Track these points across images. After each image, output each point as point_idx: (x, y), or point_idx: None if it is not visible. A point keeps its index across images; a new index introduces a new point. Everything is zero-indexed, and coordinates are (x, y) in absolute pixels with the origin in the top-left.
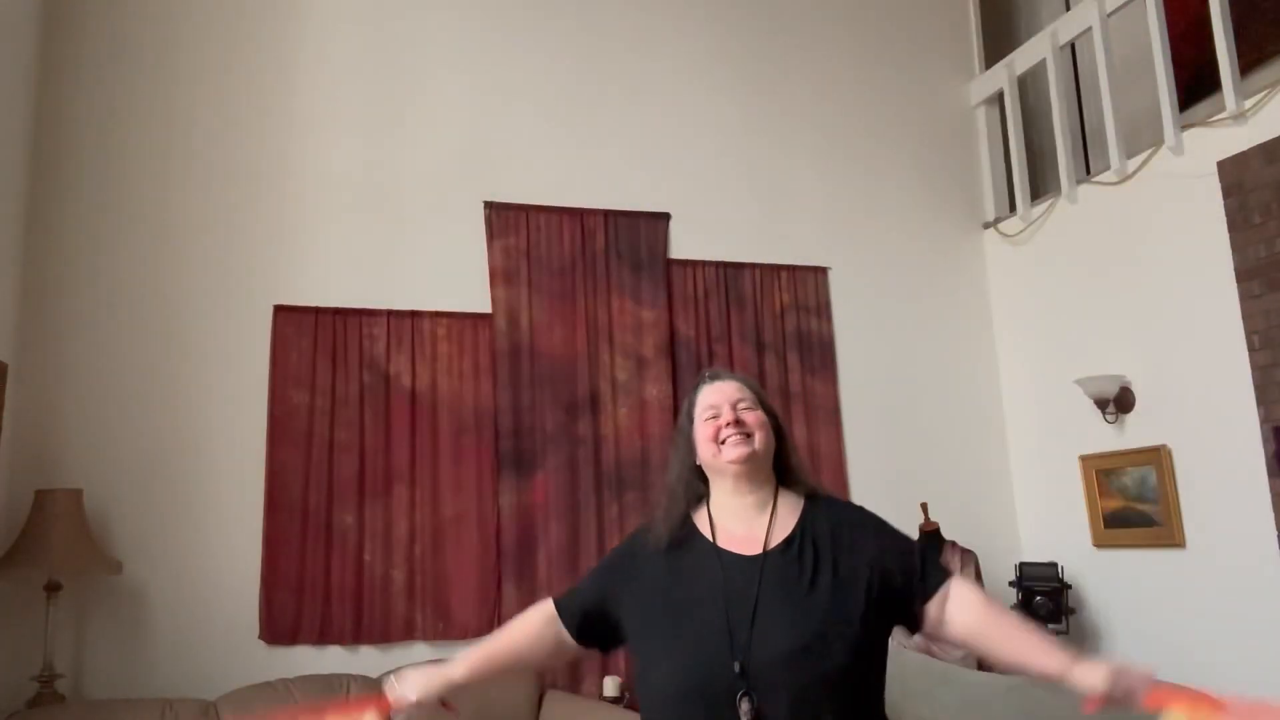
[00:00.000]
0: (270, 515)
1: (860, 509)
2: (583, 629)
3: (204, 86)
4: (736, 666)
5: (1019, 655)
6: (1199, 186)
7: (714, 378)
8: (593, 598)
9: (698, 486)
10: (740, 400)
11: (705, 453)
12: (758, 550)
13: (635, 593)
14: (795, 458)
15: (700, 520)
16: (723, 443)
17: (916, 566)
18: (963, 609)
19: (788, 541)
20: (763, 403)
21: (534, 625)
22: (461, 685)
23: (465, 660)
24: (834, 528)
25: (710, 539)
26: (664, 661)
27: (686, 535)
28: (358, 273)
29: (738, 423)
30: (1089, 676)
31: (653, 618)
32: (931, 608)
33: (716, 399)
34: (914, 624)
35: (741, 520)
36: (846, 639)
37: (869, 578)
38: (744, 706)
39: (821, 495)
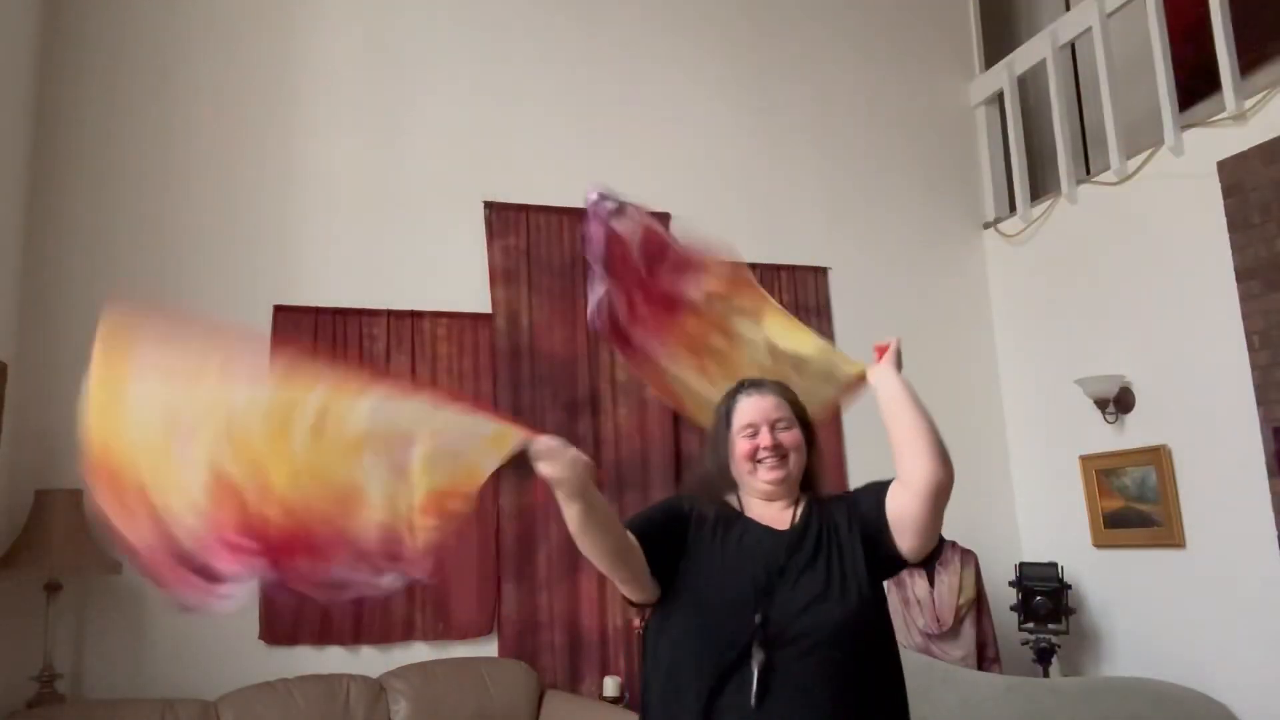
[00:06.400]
0: None
1: (846, 492)
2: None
3: (204, 86)
4: (757, 618)
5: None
6: (1199, 186)
7: (754, 387)
8: (657, 526)
9: (731, 484)
10: (779, 419)
11: (741, 468)
12: (784, 527)
13: (685, 550)
14: (819, 466)
15: (733, 501)
16: (758, 462)
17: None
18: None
19: (806, 521)
20: (800, 416)
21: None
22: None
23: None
24: (837, 512)
25: (741, 512)
26: (692, 617)
27: (724, 513)
28: (358, 273)
29: (775, 446)
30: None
31: (688, 575)
32: (887, 508)
33: (755, 416)
34: (893, 556)
35: (769, 509)
36: (856, 585)
37: (861, 534)
38: (757, 656)
39: (827, 496)
